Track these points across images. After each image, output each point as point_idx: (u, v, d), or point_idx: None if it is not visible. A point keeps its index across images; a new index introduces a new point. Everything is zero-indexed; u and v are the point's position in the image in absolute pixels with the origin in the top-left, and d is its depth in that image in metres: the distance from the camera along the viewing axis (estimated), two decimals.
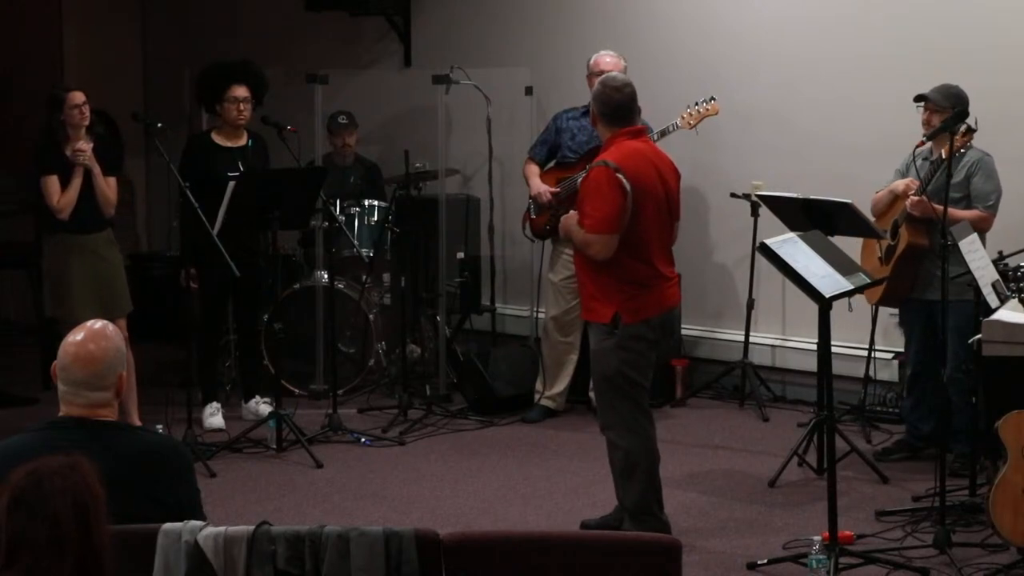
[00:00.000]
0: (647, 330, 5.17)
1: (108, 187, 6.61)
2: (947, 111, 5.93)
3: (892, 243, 6.18)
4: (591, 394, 7.15)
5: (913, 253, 6.09)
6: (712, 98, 6.97)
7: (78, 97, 6.50)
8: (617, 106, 5.20)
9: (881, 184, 6.34)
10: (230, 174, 6.81)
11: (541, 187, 7.28)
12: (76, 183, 6.49)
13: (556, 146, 7.34)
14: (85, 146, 6.50)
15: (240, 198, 6.59)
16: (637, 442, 5.21)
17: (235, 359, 7.75)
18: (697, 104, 6.96)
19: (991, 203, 6.00)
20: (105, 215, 6.68)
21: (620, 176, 5.03)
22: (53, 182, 6.49)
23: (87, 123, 6.55)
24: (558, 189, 7.22)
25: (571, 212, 5.31)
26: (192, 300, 7.08)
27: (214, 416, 7.15)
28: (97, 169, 6.53)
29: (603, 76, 5.51)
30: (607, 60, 7.08)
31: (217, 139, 7.16)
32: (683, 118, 6.96)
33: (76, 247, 6.58)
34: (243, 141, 7.17)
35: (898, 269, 6.12)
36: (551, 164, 7.40)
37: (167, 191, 6.85)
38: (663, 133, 6.99)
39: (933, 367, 6.06)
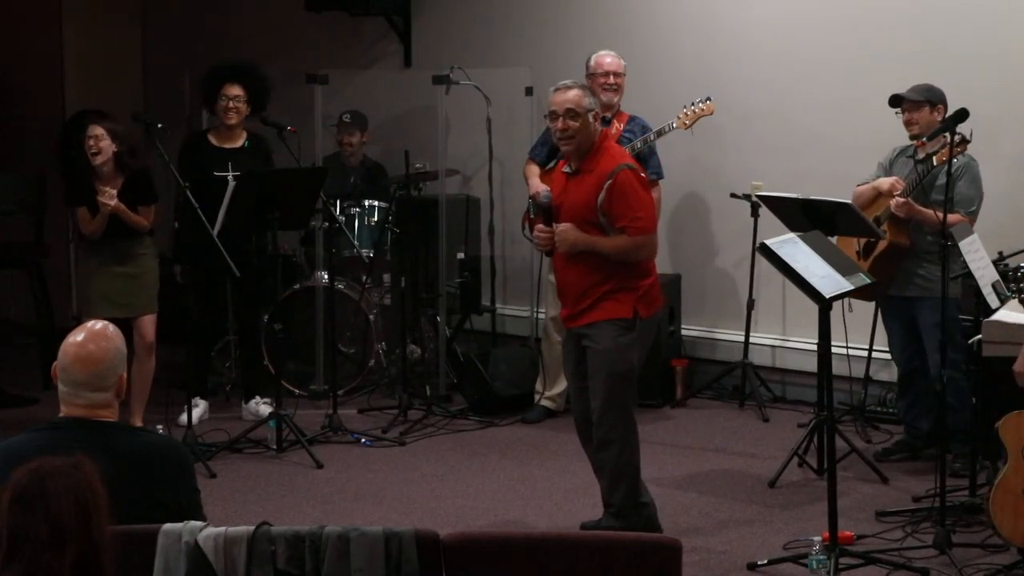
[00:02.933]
0: (651, 325, 5.31)
1: (142, 217, 6.55)
2: (923, 105, 5.98)
3: (871, 239, 6.18)
4: None
5: (894, 252, 6.10)
6: (708, 98, 6.97)
7: (92, 129, 6.44)
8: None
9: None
10: (216, 174, 6.81)
11: (541, 188, 7.27)
12: (102, 217, 6.45)
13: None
14: (108, 198, 6.38)
15: (240, 198, 6.58)
16: (634, 440, 5.28)
17: (235, 359, 7.75)
18: (693, 104, 6.96)
19: (973, 208, 6.00)
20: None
21: (644, 176, 5.23)
22: (83, 212, 6.51)
23: (100, 159, 6.41)
24: None
25: (566, 225, 5.17)
26: (190, 300, 7.09)
27: (195, 408, 6.97)
28: (123, 209, 6.45)
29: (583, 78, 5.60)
30: (607, 60, 7.09)
31: (213, 140, 7.16)
32: (679, 118, 6.96)
33: (99, 251, 6.58)
34: (239, 143, 7.15)
35: (877, 266, 6.12)
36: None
37: (167, 192, 6.83)
38: (660, 133, 6.99)
39: (922, 364, 6.07)
